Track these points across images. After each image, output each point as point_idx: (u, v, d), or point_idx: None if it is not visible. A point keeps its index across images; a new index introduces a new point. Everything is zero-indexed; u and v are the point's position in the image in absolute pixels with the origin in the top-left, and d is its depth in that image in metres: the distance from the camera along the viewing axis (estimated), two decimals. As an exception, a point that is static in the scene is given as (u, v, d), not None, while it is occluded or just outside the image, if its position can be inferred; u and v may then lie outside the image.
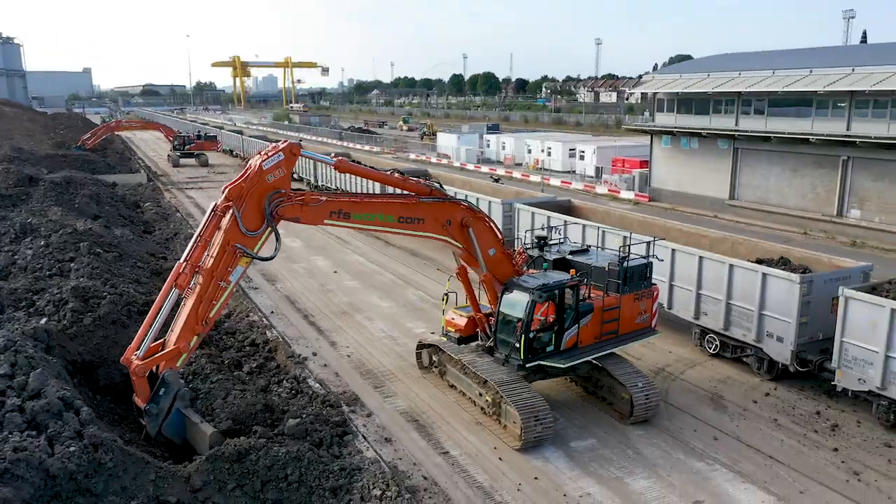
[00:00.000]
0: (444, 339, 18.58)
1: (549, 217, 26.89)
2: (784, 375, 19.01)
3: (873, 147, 35.03)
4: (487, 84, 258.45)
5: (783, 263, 20.11)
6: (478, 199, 31.37)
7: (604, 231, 23.91)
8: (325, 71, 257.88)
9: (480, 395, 16.95)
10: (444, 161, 74.21)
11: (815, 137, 36.83)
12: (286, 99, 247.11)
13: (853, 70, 36.05)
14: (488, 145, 78.10)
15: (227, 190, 13.68)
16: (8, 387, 10.89)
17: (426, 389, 18.57)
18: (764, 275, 18.54)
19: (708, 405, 17.82)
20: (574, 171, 63.51)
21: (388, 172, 16.47)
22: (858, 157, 36.43)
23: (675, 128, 46.33)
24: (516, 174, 63.06)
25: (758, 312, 18.68)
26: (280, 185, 14.06)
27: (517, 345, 16.07)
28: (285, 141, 14.74)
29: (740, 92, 41.06)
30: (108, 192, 37.14)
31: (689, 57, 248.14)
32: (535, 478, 14.39)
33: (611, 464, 14.99)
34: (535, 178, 59.78)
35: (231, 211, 13.48)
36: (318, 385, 17.31)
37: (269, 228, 14.04)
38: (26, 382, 10.98)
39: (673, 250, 21.20)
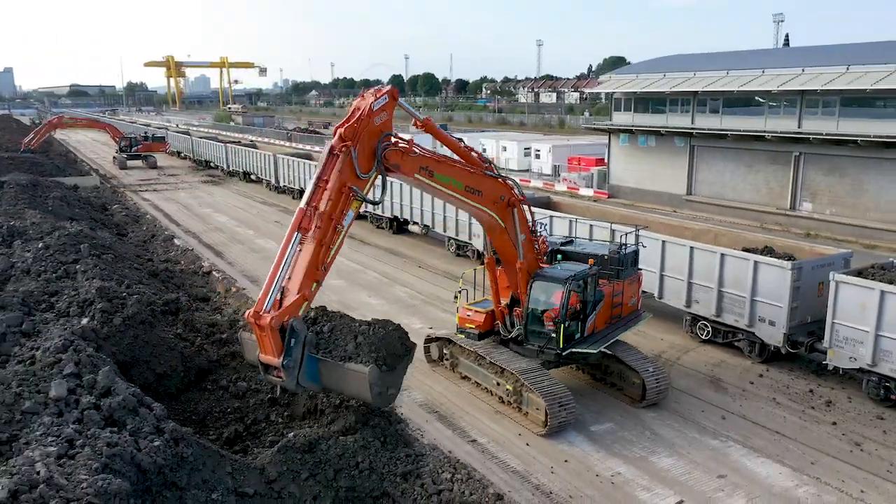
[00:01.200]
0: (462, 336, 18.59)
1: (532, 212, 27.50)
2: (774, 357, 20.17)
3: (824, 143, 37.10)
4: (428, 85, 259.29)
5: (768, 252, 21.29)
6: (457, 196, 31.82)
7: (591, 225, 24.73)
8: (263, 71, 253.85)
9: (498, 384, 17.43)
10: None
11: (769, 134, 38.74)
12: (223, 100, 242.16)
13: (803, 70, 38.11)
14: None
15: (340, 130, 13.16)
16: (78, 385, 10.75)
17: (439, 382, 18.93)
18: (755, 263, 19.62)
19: (709, 387, 18.77)
20: (530, 170, 64.75)
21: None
22: (809, 153, 38.50)
23: (633, 126, 47.85)
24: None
25: (750, 299, 19.75)
26: (385, 127, 13.79)
27: (553, 334, 16.57)
28: (389, 85, 14.35)
29: (696, 91, 42.78)
30: (72, 194, 35.99)
31: (622, 59, 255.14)
32: (565, 461, 14.96)
33: (633, 445, 15.69)
34: None
35: (346, 152, 12.95)
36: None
37: (378, 172, 13.70)
38: (95, 381, 10.85)
39: (663, 241, 22.14)
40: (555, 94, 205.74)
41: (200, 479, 9.88)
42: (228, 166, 62.66)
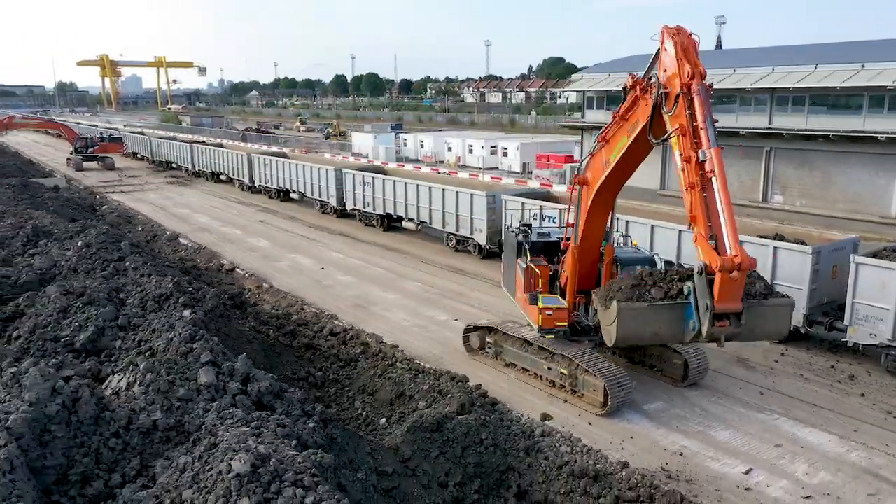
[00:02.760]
0: (550, 337, 17.52)
1: (541, 206, 28.29)
2: (791, 338, 21.39)
3: (794, 138, 39.15)
4: (372, 85, 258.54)
5: (780, 239, 22.55)
6: (457, 192, 32.40)
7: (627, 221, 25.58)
8: (203, 71, 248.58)
9: (549, 369, 18.06)
10: (363, 160, 74.29)
11: (744, 130, 40.62)
12: (160, 100, 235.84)
13: (773, 69, 40.11)
14: (405, 144, 78.98)
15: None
16: (218, 372, 10.82)
17: (482, 370, 19.41)
18: (775, 249, 20.82)
19: (739, 366, 19.86)
20: (498, 168, 65.70)
21: None
22: (780, 147, 40.54)
23: (605, 123, 49.13)
24: (443, 171, 64.34)
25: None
26: None
27: None
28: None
29: (671, 89, 44.35)
30: (59, 195, 34.91)
31: (562, 59, 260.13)
32: (631, 437, 15.68)
33: (688, 421, 16.56)
34: (462, 174, 61.31)
35: None
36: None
37: None
38: (234, 367, 10.95)
39: (680, 231, 23.18)
40: (500, 94, 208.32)
41: (347, 458, 10.14)
42: (195, 166, 61.52)
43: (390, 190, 36.82)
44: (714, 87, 43.28)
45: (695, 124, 12.62)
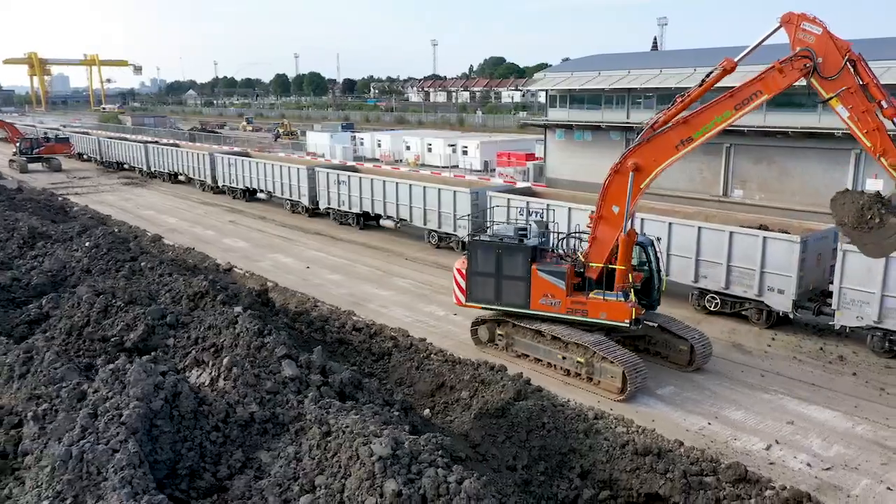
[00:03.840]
0: (637, 327, 18.19)
1: (528, 202, 28.89)
2: (778, 323, 22.59)
3: (753, 135, 40.87)
4: (314, 84, 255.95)
5: (763, 229, 23.69)
6: (439, 189, 32.72)
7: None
8: (139, 70, 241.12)
9: (564, 358, 18.61)
10: (320, 159, 73.70)
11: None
12: (94, 100, 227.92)
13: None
14: (362, 143, 78.74)
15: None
16: (298, 365, 10.85)
17: (496, 361, 19.79)
18: (764, 238, 21.89)
19: (735, 351, 20.83)
20: (458, 166, 66.21)
21: None
22: (739, 143, 42.26)
23: (569, 122, 50.37)
24: (403, 170, 64.48)
25: (759, 271, 22.00)
26: None
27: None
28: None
29: (635, 88, 45.76)
30: (29, 196, 33.61)
31: (503, 59, 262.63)
32: (652, 420, 16.32)
33: (701, 403, 17.34)
34: (424, 172, 61.62)
35: None
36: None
37: None
38: (311, 360, 11.00)
39: (670, 223, 24.11)
40: (445, 94, 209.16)
41: (431, 445, 10.38)
42: (150, 167, 59.97)
43: (367, 188, 36.83)
44: (675, 86, 44.91)
45: (865, 82, 14.95)
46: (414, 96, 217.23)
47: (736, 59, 17.38)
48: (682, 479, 10.53)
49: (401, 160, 71.71)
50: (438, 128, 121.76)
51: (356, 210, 38.10)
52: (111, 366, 10.04)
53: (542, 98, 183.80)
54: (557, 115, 51.66)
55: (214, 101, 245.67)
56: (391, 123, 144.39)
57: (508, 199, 29.61)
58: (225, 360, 10.78)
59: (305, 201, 41.85)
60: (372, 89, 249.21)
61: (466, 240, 20.58)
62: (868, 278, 19.67)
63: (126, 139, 71.28)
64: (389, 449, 8.15)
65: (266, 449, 9.41)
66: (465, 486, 7.66)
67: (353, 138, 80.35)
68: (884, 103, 14.87)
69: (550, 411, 12.86)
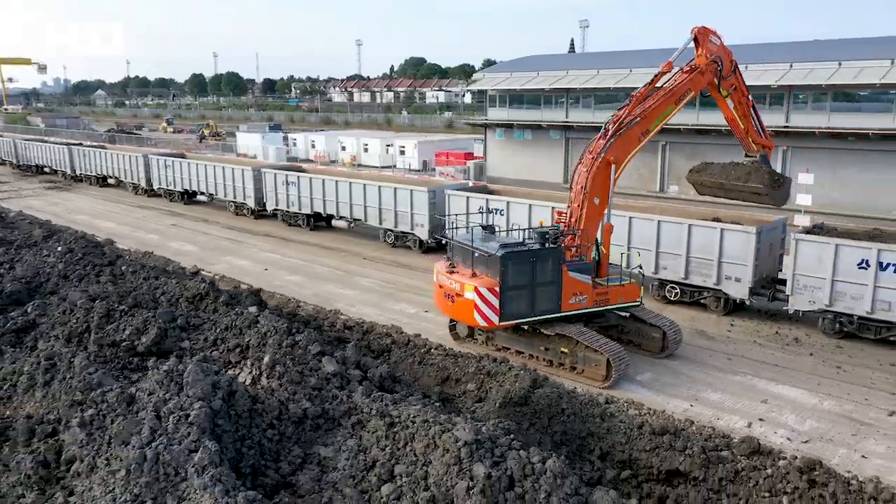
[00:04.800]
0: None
1: (487, 200, 29.38)
2: (734, 310, 23.89)
3: (687, 133, 42.82)
4: (233, 84, 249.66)
5: (717, 220, 24.98)
6: (395, 188, 32.83)
7: (553, 207, 27.10)
8: (43, 69, 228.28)
9: (546, 349, 19.17)
10: (264, 161, 72.22)
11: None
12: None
13: (666, 70, 43.55)
14: (295, 143, 77.64)
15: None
16: (337, 360, 10.81)
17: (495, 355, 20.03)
18: (722, 230, 23.11)
19: (700, 337, 21.91)
20: (396, 166, 66.29)
21: None
22: (674, 142, 44.18)
23: (509, 121, 51.34)
24: (340, 170, 64.06)
25: (717, 261, 23.21)
26: None
27: None
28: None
29: (574, 88, 47.10)
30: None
31: (423, 60, 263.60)
32: (642, 405, 17.05)
33: (679, 387, 18.20)
34: (376, 172, 61.37)
35: None
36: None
37: None
38: (344, 356, 10.97)
39: (630, 217, 25.07)
40: (369, 94, 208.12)
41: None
42: (76, 170, 57.35)
43: (319, 189, 36.52)
44: (613, 87, 47.05)
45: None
46: (337, 96, 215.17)
47: (671, 60, 20.30)
48: (700, 454, 11.19)
49: (336, 160, 71.15)
50: (365, 128, 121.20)
51: (307, 211, 37.71)
52: (164, 367, 9.80)
53: (468, 98, 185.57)
54: (497, 114, 52.54)
55: (127, 102, 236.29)
56: (317, 124, 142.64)
57: (467, 198, 30.06)
58: (265, 359, 10.69)
59: (251, 203, 41.08)
60: (293, 89, 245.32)
61: (449, 243, 20.17)
62: (819, 265, 21.09)
63: (46, 141, 67.82)
64: (473, 434, 8.37)
65: (323, 444, 9.44)
66: (549, 465, 7.97)
67: (286, 139, 79.11)
68: (749, 97, 21.65)
69: (567, 398, 13.33)
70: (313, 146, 75.21)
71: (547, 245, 18.55)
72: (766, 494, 10.01)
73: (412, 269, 30.38)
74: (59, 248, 18.61)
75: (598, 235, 20.10)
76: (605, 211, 20.33)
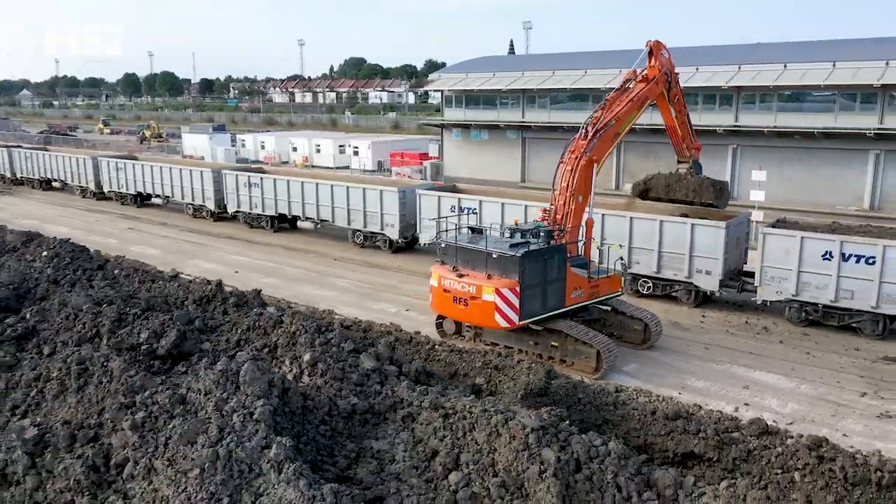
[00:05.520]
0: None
1: (459, 199, 29.73)
2: (703, 302, 24.90)
3: (641, 132, 44.09)
4: (169, 84, 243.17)
5: (686, 216, 25.96)
6: (364, 189, 32.86)
7: (526, 205, 27.70)
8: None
9: (536, 344, 19.66)
10: (223, 163, 70.80)
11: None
12: None
13: (620, 71, 44.79)
14: (244, 144, 76.40)
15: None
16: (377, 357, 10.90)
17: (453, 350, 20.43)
18: (693, 225, 24.06)
19: (675, 329, 22.78)
20: (349, 167, 66.03)
21: None
22: (629, 140, 45.34)
23: (467, 121, 51.86)
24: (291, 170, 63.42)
25: (689, 255, 24.16)
26: None
27: None
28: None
29: (531, 89, 47.92)
30: None
31: (363, 60, 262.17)
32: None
33: (665, 377, 18.94)
34: (340, 172, 60.87)
35: None
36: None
37: None
38: (378, 352, 11.07)
39: (603, 215, 25.81)
40: (311, 94, 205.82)
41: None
42: (16, 173, 55.12)
43: (284, 190, 36.19)
44: (570, 87, 48.37)
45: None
46: (278, 97, 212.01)
47: (635, 69, 22.37)
48: (714, 436, 11.80)
49: (287, 161, 70.37)
50: (310, 128, 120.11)
51: (271, 212, 37.31)
52: (219, 367, 9.74)
53: (411, 99, 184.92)
54: (454, 114, 52.99)
55: (55, 102, 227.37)
56: (259, 125, 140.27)
57: (439, 197, 30.34)
58: (306, 357, 10.74)
59: (211, 205, 40.38)
60: (231, 90, 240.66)
61: (447, 245, 20.19)
62: (786, 257, 22.23)
63: (-20, 143, 64.89)
64: (539, 421, 8.68)
65: (373, 438, 9.59)
66: (612, 447, 8.36)
67: (234, 140, 77.77)
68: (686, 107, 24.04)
69: (580, 388, 13.79)
70: (263, 147, 74.16)
71: (550, 243, 19.04)
72: (779, 471, 10.64)
73: (385, 269, 30.53)
74: (45, 254, 18.03)
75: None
76: (587, 207, 21.03)
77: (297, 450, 8.95)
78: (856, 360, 20.14)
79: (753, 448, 11.47)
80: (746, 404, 17.13)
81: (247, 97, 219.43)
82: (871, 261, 20.87)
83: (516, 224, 21.61)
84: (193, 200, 41.37)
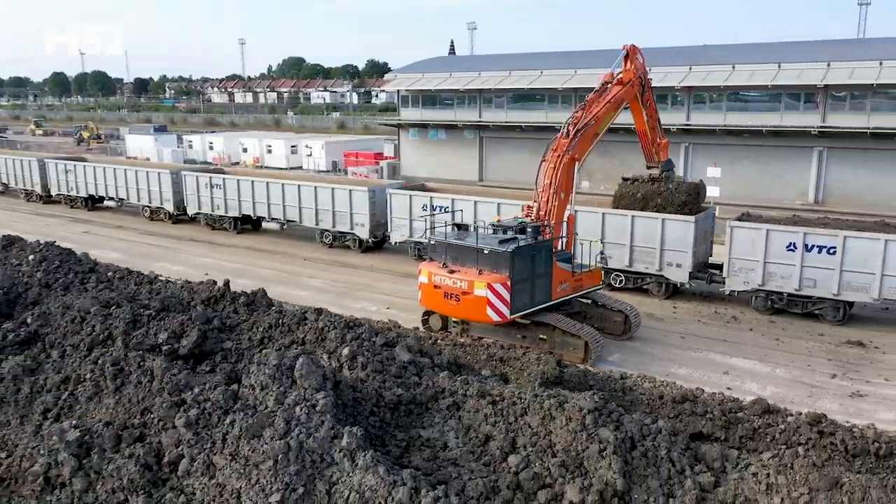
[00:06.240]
0: None
1: (430, 198, 30.02)
2: (673, 294, 25.89)
3: (597, 131, 45.31)
4: (100, 84, 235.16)
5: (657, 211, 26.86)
6: (332, 189, 32.82)
7: (499, 203, 28.22)
8: None
9: (524, 337, 20.14)
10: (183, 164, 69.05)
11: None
12: None
13: (576, 72, 45.94)
14: (191, 145, 74.77)
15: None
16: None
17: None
18: (663, 220, 24.99)
19: (650, 320, 23.60)
20: (302, 167, 65.44)
21: None
22: (585, 139, 46.55)
23: (424, 121, 52.18)
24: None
25: (659, 249, 25.07)
26: None
27: None
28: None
29: (489, 89, 48.56)
30: None
31: (302, 59, 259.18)
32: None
33: (649, 365, 19.67)
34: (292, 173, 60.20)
35: None
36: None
37: None
38: (409, 345, 11.23)
39: (576, 211, 26.45)
40: (251, 94, 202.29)
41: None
42: (-48, 176, 52.62)
43: (248, 191, 35.78)
44: (527, 87, 49.11)
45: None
46: (217, 97, 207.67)
47: (612, 72, 23.05)
48: (721, 416, 12.47)
49: (238, 162, 69.24)
50: (254, 129, 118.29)
51: (234, 214, 36.83)
52: (273, 362, 9.75)
53: (355, 99, 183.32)
54: (410, 114, 53.22)
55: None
56: (200, 125, 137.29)
57: (410, 196, 30.58)
58: (345, 352, 10.86)
59: (170, 207, 39.55)
60: (167, 90, 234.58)
61: (437, 243, 20.43)
62: (753, 249, 23.35)
63: None
64: (593, 403, 9.06)
65: (420, 427, 9.81)
66: (661, 425, 8.81)
67: (181, 140, 76.05)
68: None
69: (591, 375, 14.29)
70: (211, 148, 72.74)
71: (538, 239, 19.53)
72: (783, 447, 11.35)
73: (357, 269, 30.61)
74: (32, 257, 17.47)
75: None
76: (569, 204, 21.68)
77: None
78: (822, 344, 21.34)
79: (758, 426, 12.18)
80: (729, 388, 17.94)
81: (184, 97, 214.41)
82: (832, 251, 22.14)
83: (498, 221, 22.08)
84: (151, 202, 40.45)
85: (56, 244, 18.82)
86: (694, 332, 22.46)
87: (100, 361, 10.74)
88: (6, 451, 10.04)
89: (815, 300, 22.89)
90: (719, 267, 24.99)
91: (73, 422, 9.90)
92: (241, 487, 8.20)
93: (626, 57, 22.82)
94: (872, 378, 18.83)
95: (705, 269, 25.58)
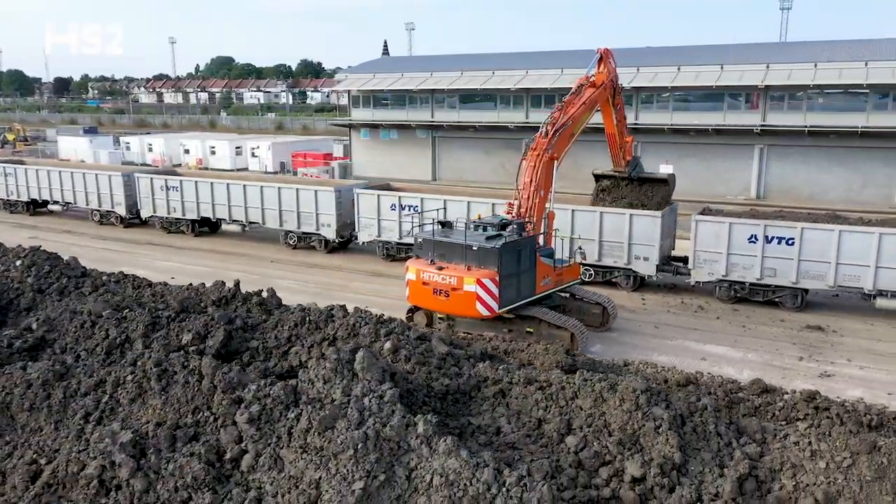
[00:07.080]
0: None
1: (399, 197, 30.26)
2: (640, 286, 26.93)
3: (549, 131, 46.39)
4: (17, 83, 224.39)
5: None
6: (297, 189, 32.65)
7: (469, 202, 28.72)
8: None
9: (510, 331, 20.68)
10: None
11: (510, 124, 46.82)
12: None
13: (527, 72, 46.91)
14: (128, 147, 72.53)
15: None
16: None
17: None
18: (631, 216, 25.97)
19: (622, 311, 24.43)
20: (248, 168, 64.39)
21: None
22: (537, 139, 47.59)
23: (376, 121, 52.23)
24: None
25: (627, 243, 26.06)
26: None
27: None
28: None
29: (441, 89, 49.01)
30: None
31: (231, 59, 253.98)
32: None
33: (631, 354, 20.42)
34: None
35: None
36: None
37: None
38: (442, 336, 11.45)
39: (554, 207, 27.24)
40: (181, 94, 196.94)
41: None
42: None
43: (207, 193, 35.18)
44: (480, 87, 50.03)
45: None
46: (145, 97, 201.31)
47: (588, 74, 23.76)
48: (724, 397, 13.24)
49: (179, 164, 67.53)
50: (186, 130, 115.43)
51: (192, 216, 36.13)
52: (334, 357, 9.82)
53: (286, 99, 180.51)
54: (362, 114, 53.19)
55: None
56: (129, 126, 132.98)
57: (378, 196, 30.72)
58: (387, 345, 11.05)
59: (121, 210, 38.45)
60: (91, 89, 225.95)
61: (425, 240, 20.69)
62: (716, 241, 24.57)
63: None
64: (645, 384, 9.55)
65: (468, 415, 10.12)
66: (707, 402, 9.39)
67: (118, 142, 73.67)
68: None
69: (599, 364, 14.87)
70: (150, 149, 70.75)
71: (522, 235, 20.05)
72: (783, 423, 12.20)
73: (325, 269, 30.59)
74: (19, 262, 16.81)
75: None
76: (548, 202, 22.35)
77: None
78: (784, 329, 22.67)
79: (759, 405, 13.01)
80: (709, 373, 18.94)
81: (108, 97, 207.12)
82: (790, 242, 23.53)
83: (479, 218, 22.55)
84: (100, 206, 39.23)
85: (42, 249, 18.23)
86: (666, 321, 23.48)
87: (139, 363, 10.62)
88: (45, 458, 9.85)
89: (775, 288, 24.26)
90: (683, 259, 26.16)
91: (116, 425, 9.77)
92: (320, 478, 8.35)
93: (600, 60, 23.55)
94: (836, 359, 20.16)
95: (670, 261, 26.70)
